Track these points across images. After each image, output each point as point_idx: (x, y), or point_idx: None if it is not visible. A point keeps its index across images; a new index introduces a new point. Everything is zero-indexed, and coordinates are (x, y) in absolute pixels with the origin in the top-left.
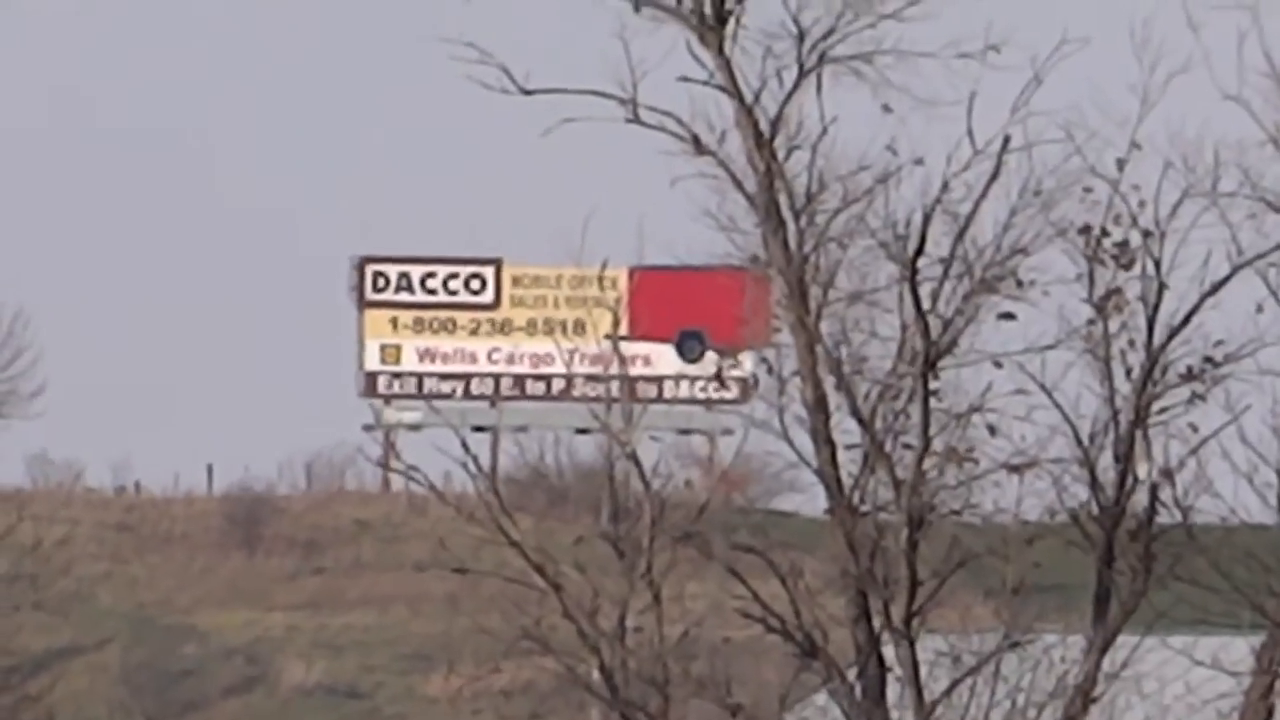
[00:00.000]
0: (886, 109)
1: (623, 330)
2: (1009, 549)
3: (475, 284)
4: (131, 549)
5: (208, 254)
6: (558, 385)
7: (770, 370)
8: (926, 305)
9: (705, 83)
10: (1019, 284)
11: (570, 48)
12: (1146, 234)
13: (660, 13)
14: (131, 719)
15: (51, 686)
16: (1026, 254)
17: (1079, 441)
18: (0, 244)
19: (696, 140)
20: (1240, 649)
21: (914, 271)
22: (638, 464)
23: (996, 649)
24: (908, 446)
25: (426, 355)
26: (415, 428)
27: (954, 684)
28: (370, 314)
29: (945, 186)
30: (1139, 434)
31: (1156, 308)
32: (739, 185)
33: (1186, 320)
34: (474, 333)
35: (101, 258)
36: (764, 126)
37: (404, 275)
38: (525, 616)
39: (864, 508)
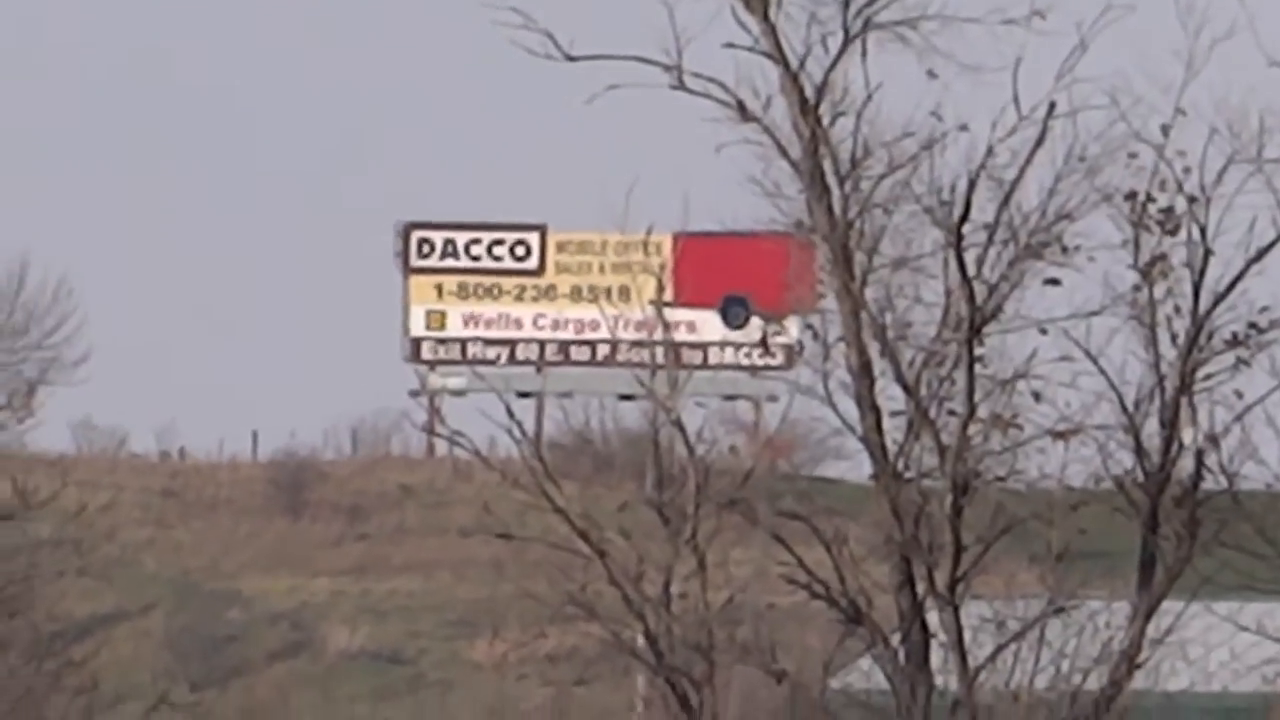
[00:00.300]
0: (931, 75)
1: (667, 296)
2: (1053, 515)
3: (520, 250)
4: (176, 515)
5: (253, 220)
6: (602, 351)
7: (815, 336)
8: (971, 271)
9: (750, 49)
10: (1064, 250)
11: (615, 14)
12: (1192, 200)
13: None
14: (176, 684)
15: (96, 652)
16: (1071, 220)
17: (1124, 408)
18: (44, 210)
19: (741, 106)
20: None
21: (959, 237)
22: (682, 430)
23: (1041, 615)
24: (952, 413)
25: (471, 321)
26: (460, 393)
27: (998, 649)
28: (415, 280)
29: (990, 152)
30: (1184, 400)
31: (1202, 273)
32: (784, 151)
33: (1232, 286)
34: (519, 299)
35: (146, 224)
36: (809, 92)
37: (449, 241)
38: (570, 582)
39: (909, 474)
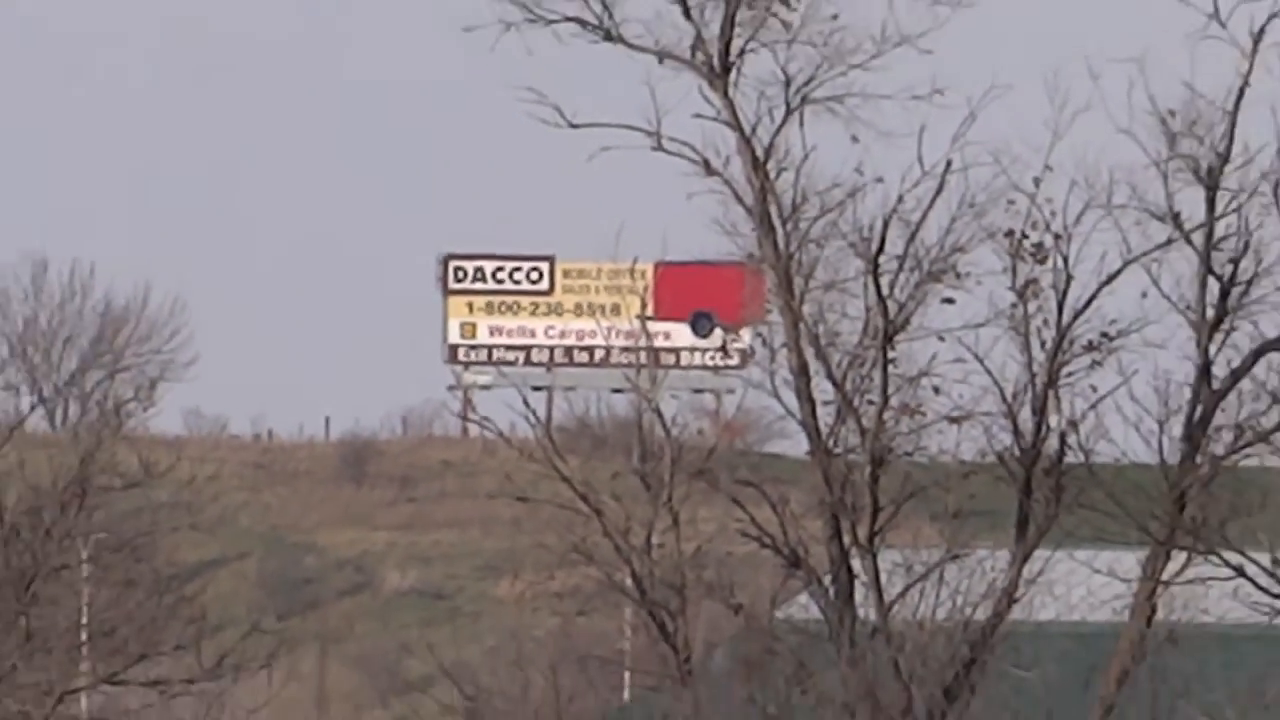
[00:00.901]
0: (854, 139)
1: (649, 311)
2: (950, 483)
3: (534, 275)
4: (265, 483)
5: (326, 250)
6: (599, 355)
7: (764, 343)
8: (885, 292)
9: (714, 119)
10: (957, 276)
11: (608, 91)
12: (1056, 236)
13: (678, 64)
14: (265, 615)
15: (203, 590)
16: (963, 252)
17: (1004, 399)
18: (163, 240)
19: (707, 164)
20: (1129, 561)
21: (876, 266)
22: (660, 416)
23: (940, 560)
24: (871, 402)
25: (496, 331)
26: (487, 388)
27: (907, 588)
28: (452, 299)
29: (900, 200)
30: (1051, 393)
31: (1064, 294)
32: (739, 199)
33: (1088, 304)
34: (533, 314)
35: (244, 253)
36: (759, 153)
37: (478, 268)
38: (573, 535)
39: (837, 450)
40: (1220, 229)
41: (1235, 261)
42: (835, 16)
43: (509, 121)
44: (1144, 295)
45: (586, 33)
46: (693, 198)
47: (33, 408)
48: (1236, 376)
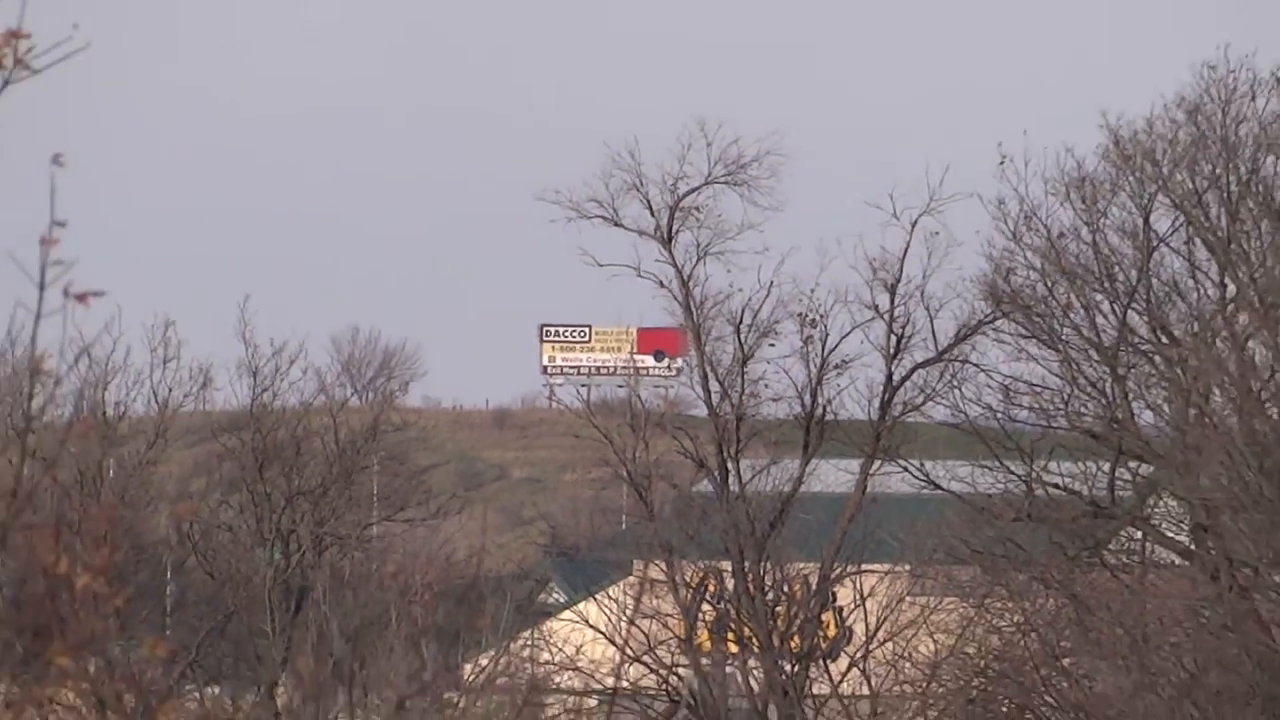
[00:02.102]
0: (729, 271)
1: (634, 350)
2: (778, 427)
3: (582, 334)
4: (459, 429)
5: (490, 321)
6: (612, 371)
7: (688, 365)
8: (743, 340)
9: (665, 262)
10: (776, 334)
11: (616, 245)
12: (821, 316)
13: (648, 236)
14: (458, 489)
15: (429, 477)
16: (779, 323)
17: (798, 391)
18: (413, 310)
19: (660, 283)
20: (855, 464)
21: (739, 329)
22: (640, 399)
23: (767, 463)
24: (736, 392)
25: (565, 360)
26: (560, 385)
27: (753, 475)
28: (544, 345)
29: (749, 299)
30: (819, 388)
31: (824, 343)
32: (676, 298)
33: (835, 347)
34: (580, 351)
35: (452, 317)
36: (685, 278)
37: (556, 330)
38: (600, 453)
39: (720, 414)
40: (898, 313)
41: (904, 327)
42: (720, 215)
43: (571, 261)
44: (862, 342)
45: (605, 221)
46: (654, 297)
47: (351, 395)
48: (904, 379)
